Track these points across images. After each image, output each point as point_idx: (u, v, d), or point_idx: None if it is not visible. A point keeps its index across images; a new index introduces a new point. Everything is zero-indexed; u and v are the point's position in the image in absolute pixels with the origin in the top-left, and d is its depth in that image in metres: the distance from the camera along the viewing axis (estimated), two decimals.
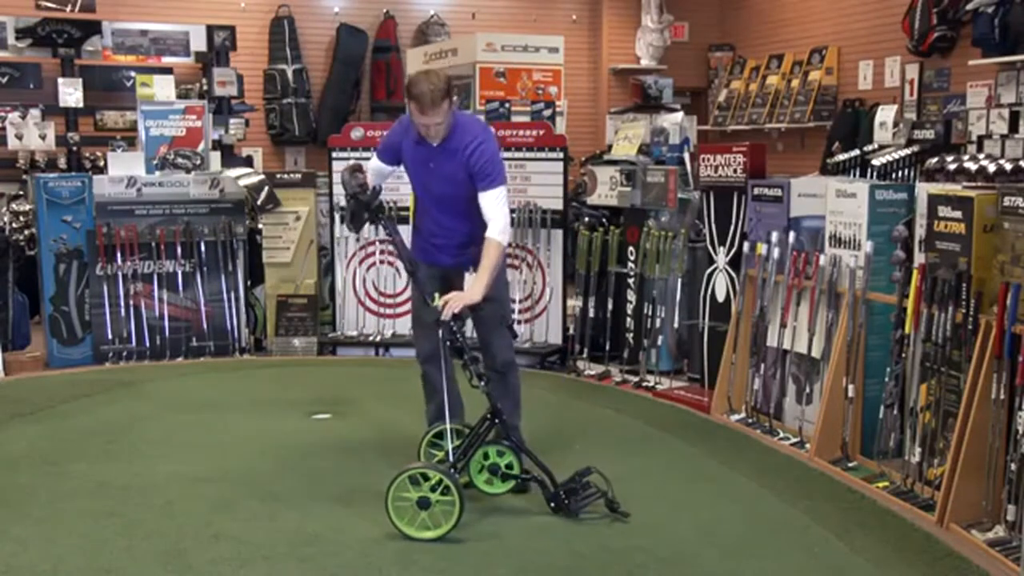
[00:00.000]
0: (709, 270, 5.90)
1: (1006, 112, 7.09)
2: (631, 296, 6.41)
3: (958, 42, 7.81)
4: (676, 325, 6.09)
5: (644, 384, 6.02)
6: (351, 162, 4.18)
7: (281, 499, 4.03)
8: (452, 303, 3.80)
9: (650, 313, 6.15)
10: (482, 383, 3.87)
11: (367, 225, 4.34)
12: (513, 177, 6.74)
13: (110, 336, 6.60)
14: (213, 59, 8.81)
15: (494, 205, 3.94)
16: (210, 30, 8.83)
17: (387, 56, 10.05)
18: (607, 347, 6.47)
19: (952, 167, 5.15)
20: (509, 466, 4.03)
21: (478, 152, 3.94)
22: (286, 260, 7.08)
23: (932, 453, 4.11)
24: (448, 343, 3.93)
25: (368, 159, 7.56)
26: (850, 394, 4.59)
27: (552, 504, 3.89)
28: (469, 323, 4.04)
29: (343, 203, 6.89)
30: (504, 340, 4.19)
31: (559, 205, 6.66)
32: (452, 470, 3.74)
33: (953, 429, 3.92)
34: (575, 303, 6.72)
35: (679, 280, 6.05)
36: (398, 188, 6.90)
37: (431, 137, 3.97)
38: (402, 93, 9.47)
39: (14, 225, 6.81)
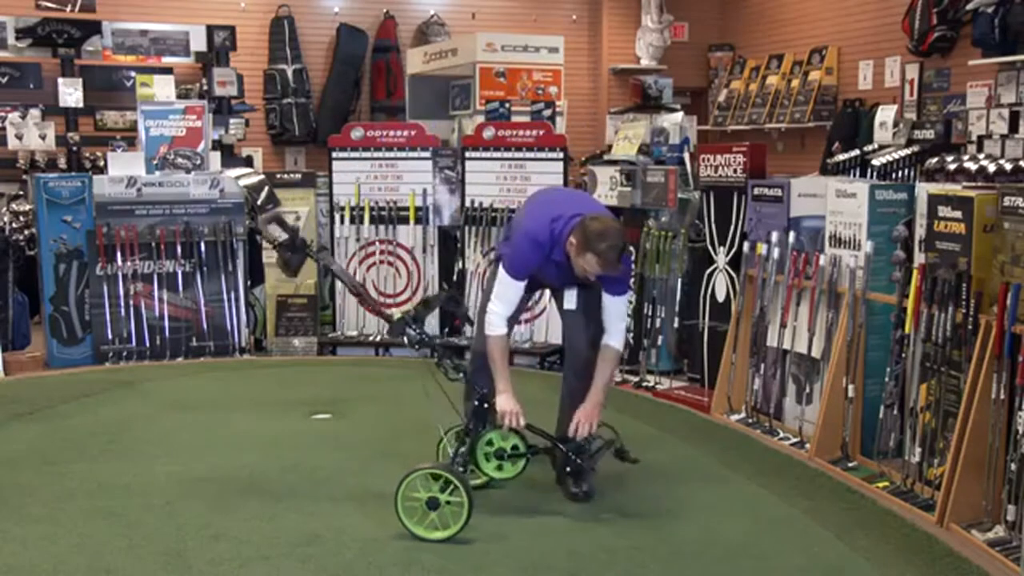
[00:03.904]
0: (709, 270, 5.90)
1: (1006, 112, 7.08)
2: (631, 296, 6.40)
3: (958, 42, 7.80)
4: (676, 325, 6.09)
5: (644, 384, 6.02)
6: (268, 213, 4.22)
7: (281, 499, 4.03)
8: (588, 419, 3.90)
9: (650, 313, 6.15)
10: (460, 375, 3.95)
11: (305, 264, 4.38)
12: (513, 177, 6.76)
13: (110, 336, 6.60)
14: (213, 59, 8.80)
15: (622, 311, 4.03)
16: (210, 30, 8.82)
17: (387, 56, 10.04)
18: None
19: (952, 167, 5.16)
20: (515, 447, 4.06)
21: (628, 262, 3.98)
22: None
23: (932, 453, 4.11)
24: (416, 347, 4.01)
25: (367, 159, 7.56)
26: (850, 394, 4.59)
27: (567, 468, 3.94)
28: (430, 320, 4.05)
29: (341, 203, 6.94)
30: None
31: None
32: (461, 471, 3.75)
33: (953, 429, 3.92)
34: None
35: (679, 280, 6.05)
36: (397, 188, 6.91)
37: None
38: (402, 92, 9.57)
39: (14, 225, 6.80)
